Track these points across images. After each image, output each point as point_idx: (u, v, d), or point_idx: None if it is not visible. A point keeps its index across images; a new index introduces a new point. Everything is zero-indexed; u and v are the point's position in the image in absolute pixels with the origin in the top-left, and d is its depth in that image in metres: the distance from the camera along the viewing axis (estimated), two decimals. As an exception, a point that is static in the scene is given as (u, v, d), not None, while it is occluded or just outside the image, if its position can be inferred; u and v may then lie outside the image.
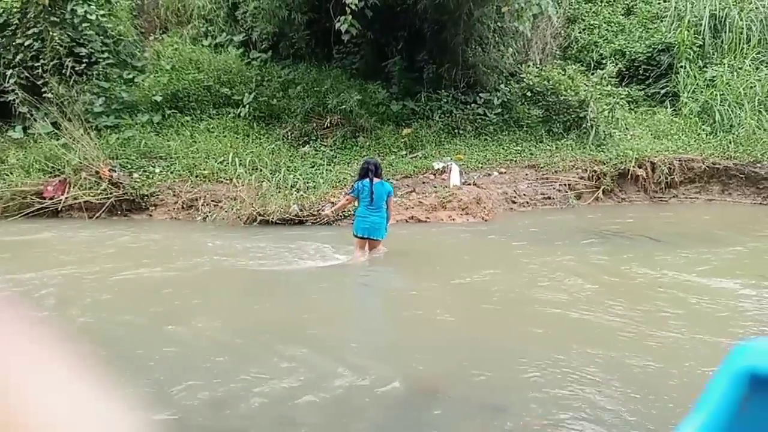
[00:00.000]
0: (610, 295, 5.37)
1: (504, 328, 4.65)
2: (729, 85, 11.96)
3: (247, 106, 11.47)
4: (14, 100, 10.64)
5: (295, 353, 4.02)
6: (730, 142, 11.16)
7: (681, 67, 12.67)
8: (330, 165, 10.40)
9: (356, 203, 6.84)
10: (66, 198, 9.17)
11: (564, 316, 4.82)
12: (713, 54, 12.99)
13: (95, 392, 0.44)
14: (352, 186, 6.98)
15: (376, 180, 6.54)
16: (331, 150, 10.88)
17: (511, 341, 4.35)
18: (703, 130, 11.61)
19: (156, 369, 3.89)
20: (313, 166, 10.35)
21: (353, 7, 9.05)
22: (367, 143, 11.03)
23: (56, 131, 10.08)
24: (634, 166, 10.63)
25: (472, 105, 11.99)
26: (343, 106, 11.06)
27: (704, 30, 13.03)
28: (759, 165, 10.75)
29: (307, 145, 11.03)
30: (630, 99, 12.56)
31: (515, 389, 3.52)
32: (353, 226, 6.76)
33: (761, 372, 0.51)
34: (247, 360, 3.94)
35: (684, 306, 5.05)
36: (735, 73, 12.23)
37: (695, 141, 11.34)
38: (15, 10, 11.04)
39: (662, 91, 12.85)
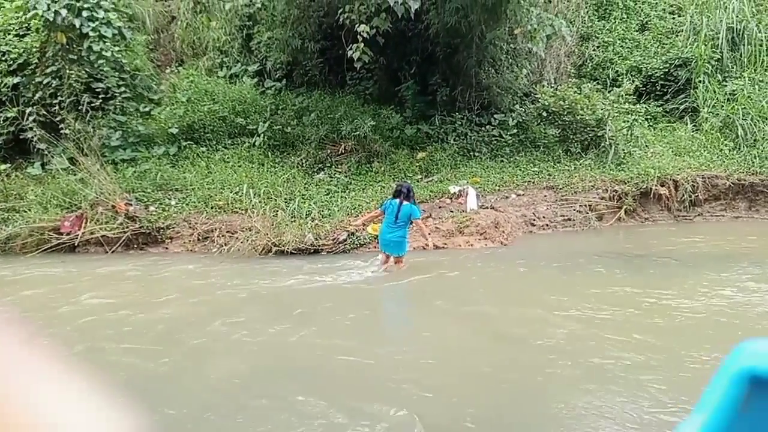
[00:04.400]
0: (639, 327, 5.13)
1: (528, 365, 4.44)
2: (750, 99, 11.69)
3: (262, 135, 11.49)
4: (33, 137, 10.80)
5: (310, 397, 3.87)
6: (755, 157, 10.85)
7: (699, 81, 12.43)
8: (345, 192, 10.32)
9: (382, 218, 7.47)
10: (83, 233, 9.20)
11: (591, 349, 4.60)
12: (732, 67, 12.74)
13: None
14: (382, 202, 7.76)
15: (405, 202, 7.19)
16: (346, 176, 10.81)
17: (536, 380, 4.14)
18: (726, 145, 11.32)
19: (163, 412, 3.76)
20: (327, 194, 10.28)
21: (365, 35, 9.05)
22: (382, 168, 10.95)
23: (73, 167, 10.19)
24: (656, 185, 10.36)
25: (487, 127, 11.87)
26: (357, 132, 11.02)
27: (722, 43, 12.80)
28: (787, 180, 10.43)
29: (322, 172, 10.99)
30: (648, 116, 12.35)
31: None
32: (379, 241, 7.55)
33: (761, 373, 0.50)
34: (261, 406, 3.79)
35: (719, 337, 4.79)
36: (756, 86, 11.96)
37: (718, 157, 11.05)
38: (35, 49, 11.29)
39: (681, 107, 12.60)
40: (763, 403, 0.51)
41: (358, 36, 9.10)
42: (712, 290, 6.13)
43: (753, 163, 10.77)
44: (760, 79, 12.12)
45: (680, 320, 5.26)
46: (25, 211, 9.60)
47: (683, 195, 10.44)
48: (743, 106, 11.56)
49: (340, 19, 9.51)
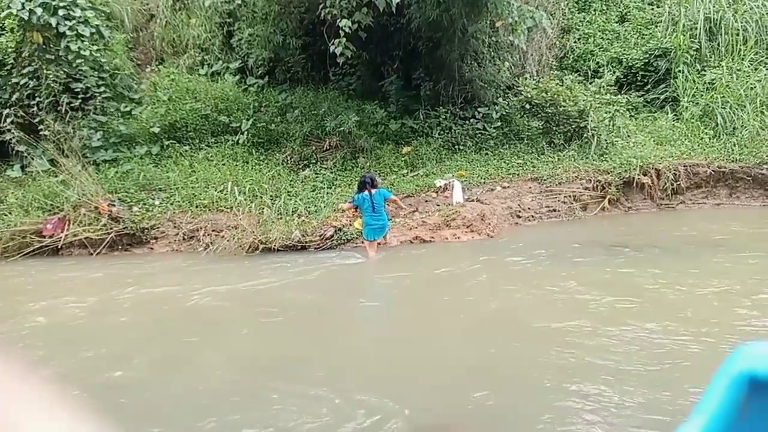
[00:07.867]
0: (625, 314, 5.19)
1: (516, 355, 4.47)
2: (729, 88, 11.85)
3: (246, 133, 11.40)
4: (11, 139, 10.61)
5: (298, 392, 3.87)
6: (735, 145, 11.02)
7: (679, 71, 12.59)
8: (331, 188, 10.30)
9: (360, 212, 7.97)
10: (66, 235, 9.06)
11: (579, 338, 4.65)
12: (711, 57, 12.91)
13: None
14: (353, 197, 8.12)
15: (373, 190, 7.72)
16: (332, 172, 10.78)
17: (524, 370, 4.17)
18: (706, 133, 11.48)
19: (156, 411, 3.73)
20: (313, 190, 10.25)
21: (347, 29, 9.00)
22: (368, 164, 10.93)
23: (54, 168, 10.03)
24: (638, 174, 10.48)
25: (471, 120, 11.90)
26: (342, 128, 10.98)
27: (700, 33, 12.96)
28: (766, 166, 10.61)
29: (307, 169, 10.94)
30: (630, 106, 12.46)
31: (531, 427, 3.34)
32: (364, 233, 7.97)
33: (760, 375, 0.50)
34: (248, 401, 3.78)
35: (702, 322, 4.87)
36: (734, 75, 12.12)
37: (699, 145, 11.21)
38: (10, 50, 11.07)
39: (662, 97, 12.75)
40: (763, 405, 0.51)
41: (340, 31, 9.06)
42: (699, 278, 6.22)
43: (732, 150, 10.93)
44: (738, 68, 12.29)
45: (670, 307, 5.34)
46: (6, 215, 9.43)
47: (665, 183, 10.57)
48: (722, 95, 11.73)
49: (322, 15, 9.44)
